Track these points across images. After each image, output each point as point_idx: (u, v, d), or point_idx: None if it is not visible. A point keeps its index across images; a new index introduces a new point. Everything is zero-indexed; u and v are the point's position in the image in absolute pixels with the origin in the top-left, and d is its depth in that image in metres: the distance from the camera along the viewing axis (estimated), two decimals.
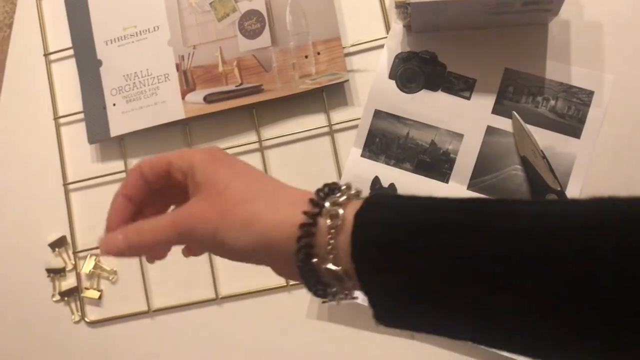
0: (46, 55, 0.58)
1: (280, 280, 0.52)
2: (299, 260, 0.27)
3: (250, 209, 0.29)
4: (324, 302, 0.27)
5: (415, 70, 0.51)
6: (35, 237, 0.56)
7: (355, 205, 0.27)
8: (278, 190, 0.31)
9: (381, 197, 0.28)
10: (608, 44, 0.49)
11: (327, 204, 0.28)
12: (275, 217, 0.29)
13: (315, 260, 0.27)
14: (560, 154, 0.48)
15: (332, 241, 0.27)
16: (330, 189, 0.29)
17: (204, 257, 0.53)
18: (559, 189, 0.47)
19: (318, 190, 0.29)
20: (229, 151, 0.53)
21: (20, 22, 0.59)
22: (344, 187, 0.29)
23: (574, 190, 0.48)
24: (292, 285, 0.51)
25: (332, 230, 0.27)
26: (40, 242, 0.56)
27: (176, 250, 0.53)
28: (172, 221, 0.31)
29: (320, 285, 0.28)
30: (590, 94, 0.49)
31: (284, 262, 0.28)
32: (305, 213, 0.28)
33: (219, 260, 0.53)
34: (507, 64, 0.50)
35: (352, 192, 0.29)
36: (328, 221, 0.27)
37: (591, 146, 0.48)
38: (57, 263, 0.55)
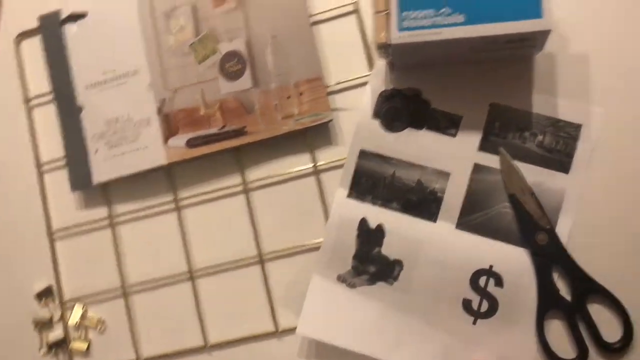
0: (26, 101, 0.57)
1: (270, 327, 0.51)
2: None
3: None
4: None
5: (399, 109, 0.50)
6: (20, 288, 0.55)
7: None
8: None
9: None
10: (595, 76, 0.48)
11: None
12: None
13: None
14: (549, 190, 0.47)
15: None
16: None
17: (192, 304, 0.52)
18: (548, 227, 0.46)
19: None
20: (214, 194, 0.53)
21: None
22: None
23: (565, 226, 0.47)
24: (282, 331, 0.51)
25: None
26: (26, 293, 0.55)
27: (164, 297, 0.53)
28: None
29: None
30: (578, 127, 0.48)
31: None
32: None
33: (207, 307, 0.52)
34: (493, 99, 0.49)
35: None
36: None
37: (580, 181, 0.47)
38: (43, 314, 0.54)
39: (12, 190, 0.57)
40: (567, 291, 0.46)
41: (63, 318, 0.54)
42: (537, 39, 0.44)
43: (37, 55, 0.56)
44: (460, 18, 0.42)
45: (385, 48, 0.47)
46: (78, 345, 0.53)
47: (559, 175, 0.48)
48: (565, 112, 0.48)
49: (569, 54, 0.48)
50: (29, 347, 0.54)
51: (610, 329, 0.45)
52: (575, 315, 0.45)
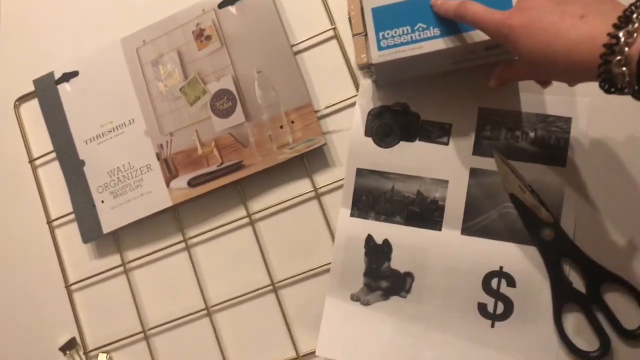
0: (31, 162, 0.59)
1: (291, 353, 0.51)
2: (600, 68, 0.32)
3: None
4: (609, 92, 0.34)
5: (390, 124, 0.51)
6: (45, 343, 0.56)
7: None
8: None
9: None
10: None
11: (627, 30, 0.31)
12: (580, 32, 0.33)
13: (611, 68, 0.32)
14: (548, 185, 0.48)
15: (626, 49, 0.31)
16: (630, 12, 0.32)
17: (212, 339, 0.53)
18: (552, 221, 0.47)
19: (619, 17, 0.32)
20: (220, 230, 0.54)
21: (2, 132, 0.61)
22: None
23: (569, 219, 0.47)
24: (302, 356, 0.51)
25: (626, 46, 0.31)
26: (51, 347, 0.56)
27: (184, 336, 0.53)
28: (502, 20, 0.36)
29: (611, 88, 0.33)
30: (567, 120, 0.48)
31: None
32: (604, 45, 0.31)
33: (227, 340, 0.53)
34: (481, 104, 0.50)
35: None
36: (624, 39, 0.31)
37: (578, 172, 0.48)
38: None
39: (26, 248, 0.58)
40: (581, 283, 0.46)
41: None
42: None
43: (36, 116, 0.58)
44: (436, 31, 0.43)
45: (368, 68, 0.48)
46: None
47: (556, 169, 0.48)
48: (553, 107, 0.48)
49: None
50: None
51: (628, 315, 0.44)
52: (592, 306, 0.45)
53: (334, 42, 0.53)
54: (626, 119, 0.47)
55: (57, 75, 0.57)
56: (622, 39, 0.31)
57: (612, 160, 0.47)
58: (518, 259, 0.48)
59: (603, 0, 0.34)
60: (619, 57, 0.31)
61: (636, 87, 0.31)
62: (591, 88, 0.47)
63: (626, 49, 0.31)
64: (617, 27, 0.31)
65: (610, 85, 0.32)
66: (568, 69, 0.34)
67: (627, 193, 0.46)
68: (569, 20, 0.33)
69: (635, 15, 0.31)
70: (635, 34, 0.30)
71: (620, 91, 0.32)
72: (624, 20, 0.31)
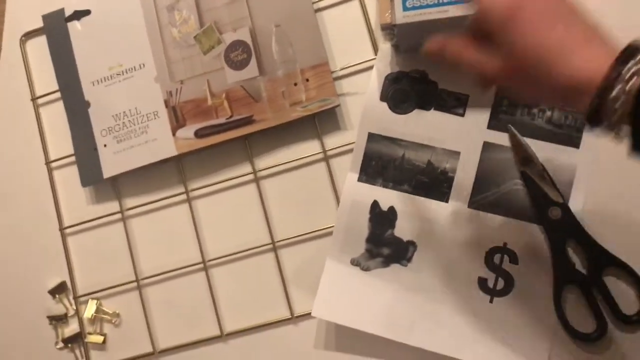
0: (33, 99, 0.57)
1: (285, 313, 0.51)
2: (591, 105, 0.31)
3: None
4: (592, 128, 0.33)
5: (407, 91, 0.50)
6: (34, 285, 0.55)
7: None
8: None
9: None
10: None
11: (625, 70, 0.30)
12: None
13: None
14: (560, 165, 0.47)
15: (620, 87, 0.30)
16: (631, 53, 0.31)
17: (206, 293, 0.52)
18: (561, 201, 0.46)
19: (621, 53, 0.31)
20: (224, 184, 0.53)
21: (6, 68, 0.59)
22: None
23: (578, 201, 0.47)
24: (297, 317, 0.51)
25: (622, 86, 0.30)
26: (40, 290, 0.55)
27: (178, 288, 0.53)
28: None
29: (597, 121, 0.32)
30: None
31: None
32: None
33: (221, 296, 0.52)
34: None
35: None
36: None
37: (591, 155, 0.47)
38: (58, 309, 0.54)
39: (23, 188, 0.57)
40: (583, 265, 0.46)
41: (78, 313, 0.54)
42: None
43: (43, 54, 0.57)
44: None
45: (390, 29, 0.47)
46: (94, 338, 0.53)
47: (570, 150, 0.47)
48: None
49: None
50: (46, 343, 0.54)
51: (627, 301, 0.44)
52: (592, 288, 0.45)
53: (357, 2, 0.52)
54: None
55: (67, 13, 0.55)
56: (623, 76, 0.30)
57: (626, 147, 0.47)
58: (523, 236, 0.47)
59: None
60: (615, 94, 0.30)
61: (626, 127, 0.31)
62: None
63: (626, 86, 0.30)
64: (622, 61, 0.30)
65: (597, 120, 0.31)
66: (556, 87, 0.32)
67: (637, 181, 0.46)
68: (575, 36, 0.32)
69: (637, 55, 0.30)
70: (635, 76, 0.29)
71: (603, 126, 0.32)
72: (628, 55, 0.30)
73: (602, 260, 0.46)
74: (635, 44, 0.31)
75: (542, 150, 0.48)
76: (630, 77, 0.30)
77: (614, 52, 0.31)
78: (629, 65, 0.30)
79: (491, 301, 0.47)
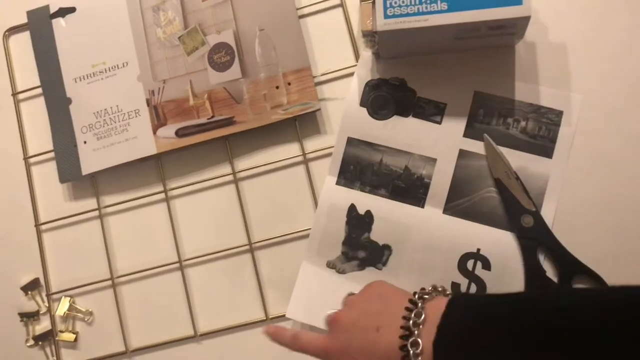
0: (14, 94, 0.57)
1: (260, 314, 0.51)
2: None
3: None
4: None
5: (386, 97, 0.51)
6: (7, 280, 0.55)
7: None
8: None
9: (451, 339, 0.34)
10: (574, 63, 0.49)
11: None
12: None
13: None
14: (533, 174, 0.48)
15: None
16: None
17: (181, 293, 0.52)
18: (533, 209, 0.47)
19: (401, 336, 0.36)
20: (203, 184, 0.53)
21: None
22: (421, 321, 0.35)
23: (549, 209, 0.48)
24: (272, 318, 0.51)
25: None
26: (12, 286, 0.54)
27: (153, 287, 0.52)
28: (324, 348, 0.40)
29: None
30: (559, 113, 0.49)
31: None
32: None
33: (197, 296, 0.52)
34: (477, 87, 0.50)
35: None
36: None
37: (563, 165, 0.48)
38: (30, 306, 0.54)
39: None
40: (554, 272, 0.47)
41: (50, 310, 0.53)
42: (517, 26, 0.45)
43: (26, 49, 0.57)
44: (443, 5, 0.44)
45: (371, 36, 0.48)
46: (66, 336, 0.52)
47: (543, 160, 0.49)
48: (547, 99, 0.49)
49: (548, 42, 0.50)
50: (16, 339, 0.53)
51: None
52: None
53: (340, 10, 0.53)
54: (616, 118, 0.48)
55: (52, 9, 0.56)
56: (411, 351, 0.34)
57: (598, 157, 0.48)
58: (496, 243, 0.48)
59: (390, 299, 0.39)
60: None
61: None
62: (585, 85, 0.49)
63: (419, 357, 0.34)
64: (404, 337, 0.35)
65: None
66: None
67: (608, 190, 0.48)
68: (371, 335, 0.37)
69: (412, 326, 0.35)
70: (418, 346, 0.34)
71: None
72: (407, 331, 0.35)
73: (573, 268, 0.47)
74: (409, 317, 0.36)
75: (516, 159, 0.49)
76: (416, 350, 0.34)
77: (398, 330, 0.36)
78: (411, 340, 0.35)
79: None
